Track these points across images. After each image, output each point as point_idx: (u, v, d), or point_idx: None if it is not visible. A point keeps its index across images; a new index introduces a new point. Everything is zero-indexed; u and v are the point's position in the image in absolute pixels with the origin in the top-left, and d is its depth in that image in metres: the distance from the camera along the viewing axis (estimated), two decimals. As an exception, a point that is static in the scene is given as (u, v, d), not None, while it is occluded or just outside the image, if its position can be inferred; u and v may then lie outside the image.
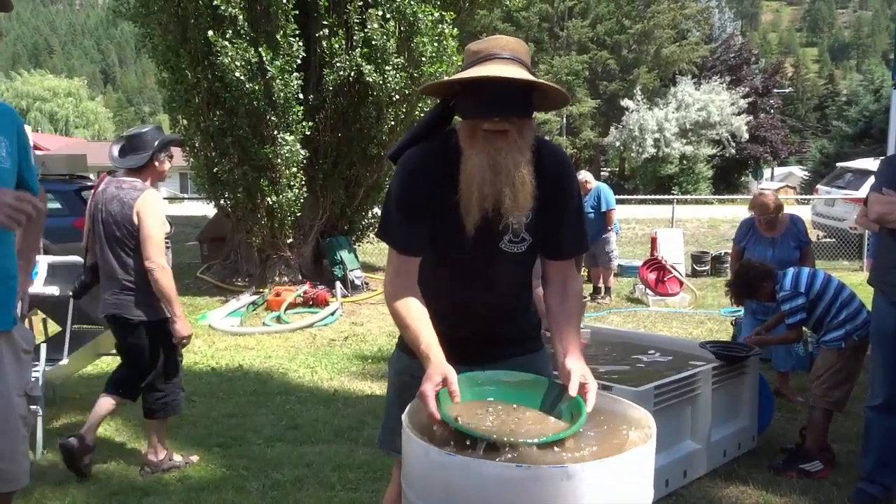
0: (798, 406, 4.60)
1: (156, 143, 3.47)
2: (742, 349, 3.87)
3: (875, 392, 3.20)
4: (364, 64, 7.93)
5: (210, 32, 7.64)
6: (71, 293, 3.75)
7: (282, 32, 7.78)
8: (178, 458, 3.69)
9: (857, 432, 3.89)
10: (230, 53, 7.62)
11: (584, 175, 8.09)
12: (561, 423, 1.61)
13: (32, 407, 3.78)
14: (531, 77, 1.68)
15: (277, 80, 7.73)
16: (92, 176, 13.41)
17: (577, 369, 1.67)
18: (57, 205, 9.70)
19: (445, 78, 1.86)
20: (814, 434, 3.64)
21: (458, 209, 1.74)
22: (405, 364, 1.93)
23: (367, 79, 7.95)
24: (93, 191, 3.56)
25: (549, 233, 1.86)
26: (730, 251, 10.74)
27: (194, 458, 3.74)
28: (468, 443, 1.50)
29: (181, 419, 4.44)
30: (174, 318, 3.41)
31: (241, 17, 7.67)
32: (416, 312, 1.77)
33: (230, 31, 7.71)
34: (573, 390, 1.63)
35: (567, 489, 1.37)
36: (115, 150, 3.54)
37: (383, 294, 1.85)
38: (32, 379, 3.93)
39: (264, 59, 7.67)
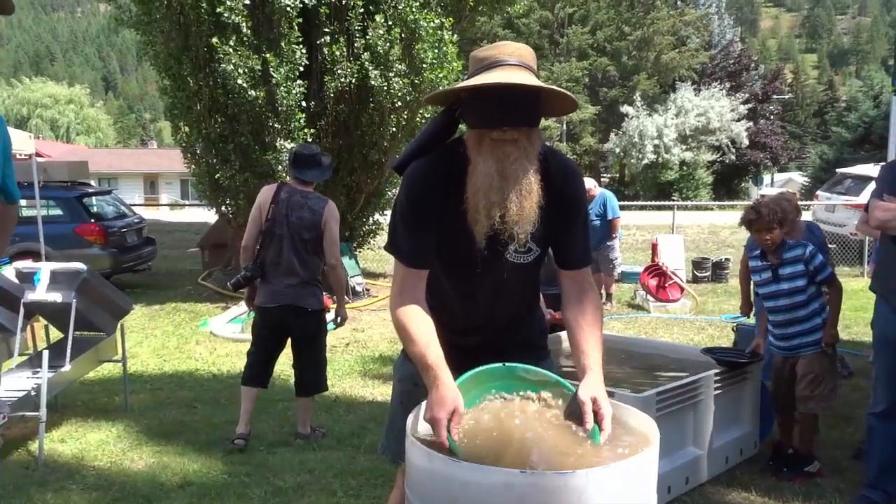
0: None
1: (328, 162, 4.22)
2: (744, 355, 3.86)
3: (877, 399, 3.20)
4: (371, 69, 7.95)
5: (214, 39, 7.67)
6: (231, 283, 4.11)
7: (285, 40, 7.81)
8: (319, 429, 4.29)
9: (859, 438, 3.88)
10: (233, 61, 7.64)
11: (589, 182, 8.11)
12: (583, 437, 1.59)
13: (35, 413, 3.81)
14: (540, 83, 1.66)
15: (281, 88, 7.75)
16: (93, 182, 13.45)
17: (588, 397, 1.62)
18: (58, 211, 9.72)
19: (448, 85, 1.86)
20: (810, 436, 3.66)
21: (466, 219, 1.71)
22: (409, 371, 1.93)
23: (372, 83, 7.97)
24: (273, 197, 4.02)
25: (559, 243, 1.84)
26: (730, 257, 10.80)
27: (323, 430, 4.28)
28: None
29: (183, 426, 4.45)
30: (341, 305, 4.20)
31: (244, 24, 7.70)
32: (423, 328, 1.73)
33: (233, 39, 7.74)
34: (589, 423, 1.59)
35: (571, 495, 1.38)
36: (296, 163, 4.08)
37: (389, 307, 1.82)
38: (35, 386, 3.96)
39: (270, 66, 7.70)
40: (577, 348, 1.78)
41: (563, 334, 3.25)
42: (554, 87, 1.69)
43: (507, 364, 1.72)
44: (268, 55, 7.73)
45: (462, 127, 1.82)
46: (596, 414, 1.60)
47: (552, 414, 1.65)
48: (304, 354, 4.16)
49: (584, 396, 1.62)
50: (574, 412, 1.63)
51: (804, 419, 3.66)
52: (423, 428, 1.65)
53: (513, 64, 1.67)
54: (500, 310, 1.88)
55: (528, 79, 1.65)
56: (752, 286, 4.63)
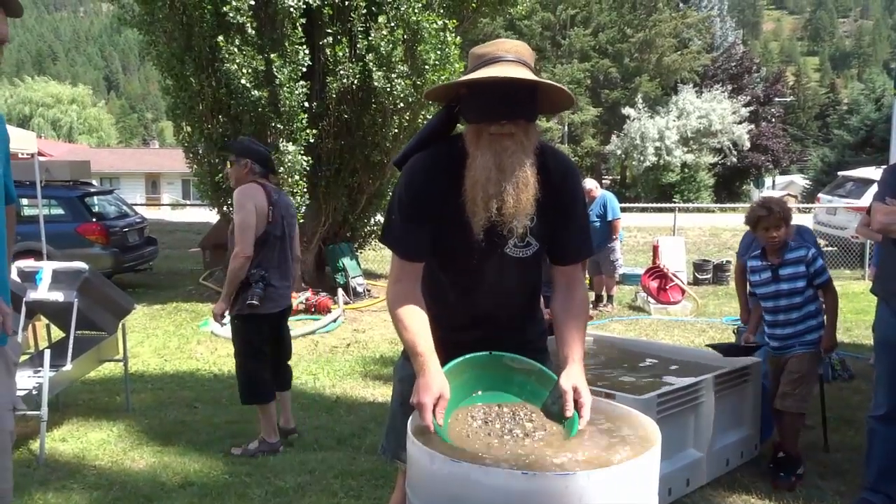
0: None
1: None
2: (746, 345, 3.84)
3: (878, 402, 3.20)
4: (374, 70, 7.97)
5: (220, 38, 7.68)
6: (255, 301, 3.73)
7: (288, 40, 7.82)
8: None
9: (859, 442, 3.88)
10: (237, 60, 7.65)
11: (590, 183, 8.12)
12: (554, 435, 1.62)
13: (37, 412, 3.82)
14: (536, 78, 1.70)
15: (284, 88, 7.77)
16: (95, 182, 13.46)
17: (570, 385, 1.68)
18: (60, 211, 9.74)
19: (450, 81, 1.87)
20: (795, 438, 3.65)
21: (464, 213, 1.74)
22: (410, 372, 1.93)
23: (375, 84, 7.98)
24: (267, 198, 3.79)
25: (555, 237, 1.86)
26: (731, 259, 10.79)
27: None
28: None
29: (183, 425, 4.46)
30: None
31: (248, 25, 7.71)
32: (416, 317, 1.77)
33: (237, 39, 7.75)
34: (569, 411, 1.65)
35: (572, 497, 1.38)
36: (259, 160, 3.91)
37: (386, 297, 1.87)
38: (36, 385, 3.96)
39: (274, 66, 7.70)
40: (560, 340, 1.83)
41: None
42: (550, 81, 1.72)
43: (493, 353, 1.76)
44: (272, 55, 7.74)
45: (460, 126, 1.84)
46: (576, 402, 1.66)
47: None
48: (284, 350, 4.18)
49: (565, 385, 1.68)
50: (554, 401, 1.69)
51: (789, 418, 3.64)
52: (417, 419, 1.67)
53: (510, 60, 1.71)
54: (500, 305, 1.90)
55: (525, 74, 1.69)
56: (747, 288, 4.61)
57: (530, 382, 1.75)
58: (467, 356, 1.73)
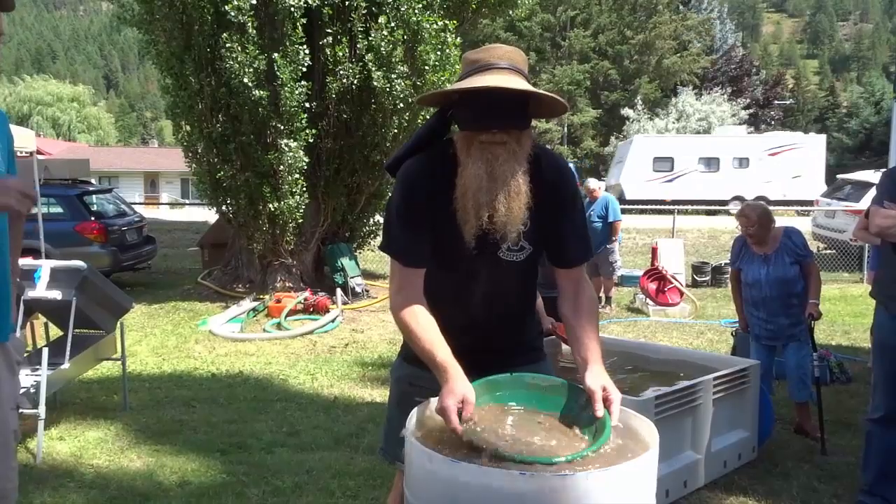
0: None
1: None
2: None
3: (876, 404, 3.20)
4: (374, 70, 7.97)
5: (225, 35, 7.67)
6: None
7: (289, 40, 7.82)
8: None
9: (857, 444, 3.88)
10: (239, 59, 7.65)
11: (594, 183, 8.12)
12: (582, 436, 1.60)
13: (34, 411, 3.81)
14: (530, 87, 1.68)
15: (285, 88, 7.77)
16: (94, 180, 13.47)
17: (598, 385, 1.64)
18: (59, 209, 9.72)
19: (444, 88, 1.86)
20: None
21: (456, 219, 1.74)
22: (405, 372, 1.94)
23: (375, 85, 7.99)
24: None
25: (553, 241, 1.85)
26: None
27: None
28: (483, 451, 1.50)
29: (181, 424, 4.45)
30: None
31: (249, 24, 7.71)
32: (428, 325, 1.74)
33: (237, 39, 7.75)
34: (600, 411, 1.61)
35: (570, 498, 1.38)
36: None
37: (390, 307, 1.84)
38: (34, 383, 3.96)
39: (276, 65, 7.70)
40: (576, 342, 1.80)
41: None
42: (542, 91, 1.71)
43: (514, 373, 1.73)
44: (275, 55, 7.74)
45: (455, 127, 1.84)
46: (605, 400, 1.62)
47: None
48: None
49: (593, 386, 1.64)
50: (584, 408, 1.65)
51: None
52: (418, 426, 1.65)
53: (503, 67, 1.69)
54: (495, 308, 1.89)
55: (518, 82, 1.67)
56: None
57: (558, 398, 1.71)
58: (489, 378, 1.69)
